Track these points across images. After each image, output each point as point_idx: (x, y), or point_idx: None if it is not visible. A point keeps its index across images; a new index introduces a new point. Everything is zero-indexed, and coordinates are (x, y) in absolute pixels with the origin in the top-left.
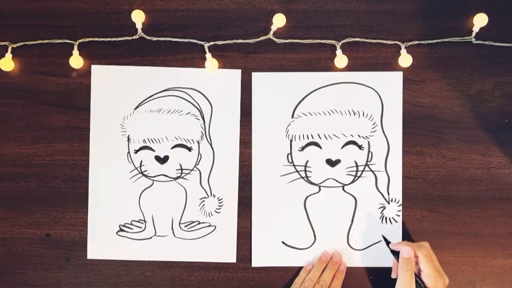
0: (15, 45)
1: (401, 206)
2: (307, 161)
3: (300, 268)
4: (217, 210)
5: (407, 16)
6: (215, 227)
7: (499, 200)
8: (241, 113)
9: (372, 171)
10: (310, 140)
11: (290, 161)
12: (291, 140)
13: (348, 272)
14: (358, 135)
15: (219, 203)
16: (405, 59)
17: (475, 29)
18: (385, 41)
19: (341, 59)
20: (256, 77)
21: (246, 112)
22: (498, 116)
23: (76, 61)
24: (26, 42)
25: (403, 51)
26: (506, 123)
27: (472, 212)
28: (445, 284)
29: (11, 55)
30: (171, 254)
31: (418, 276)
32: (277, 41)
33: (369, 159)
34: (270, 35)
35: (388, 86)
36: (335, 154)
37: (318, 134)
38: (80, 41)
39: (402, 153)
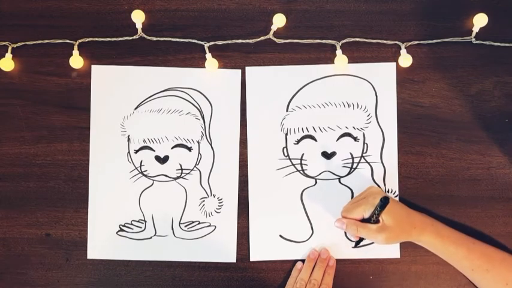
0: (15, 45)
1: (398, 197)
2: (303, 154)
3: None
4: (217, 210)
5: (407, 16)
6: (215, 227)
7: (499, 200)
8: (241, 113)
9: (368, 163)
10: (306, 133)
11: (286, 154)
12: (286, 134)
13: (348, 271)
14: (353, 127)
15: (219, 203)
16: (405, 59)
17: (475, 29)
18: (385, 41)
19: (341, 59)
20: (251, 71)
21: (246, 112)
22: (498, 116)
23: (76, 61)
24: (26, 42)
25: (403, 51)
26: (506, 123)
27: (472, 212)
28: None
29: (11, 55)
30: (171, 254)
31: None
32: (277, 41)
33: (365, 151)
34: (270, 35)
35: (382, 77)
36: (330, 146)
37: (313, 127)
38: (80, 41)
39: (400, 150)
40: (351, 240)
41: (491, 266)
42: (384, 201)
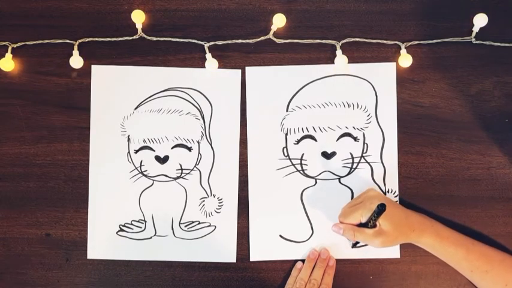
0: (15, 45)
1: (398, 197)
2: (303, 154)
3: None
4: (217, 210)
5: (407, 16)
6: (215, 227)
7: (499, 200)
8: (241, 113)
9: (368, 163)
10: (306, 133)
11: (286, 154)
12: (286, 134)
13: (348, 271)
14: (353, 127)
15: (219, 203)
16: (405, 59)
17: (475, 29)
18: (385, 41)
19: (341, 59)
20: (251, 71)
21: (246, 112)
22: (498, 116)
23: (76, 61)
24: (26, 42)
25: (403, 51)
26: (506, 123)
27: (472, 212)
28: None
29: (11, 55)
30: (171, 254)
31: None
32: (277, 41)
33: (365, 151)
34: (270, 35)
35: (382, 77)
36: (330, 146)
37: (313, 127)
38: (80, 41)
39: (400, 150)
40: (350, 241)
41: (490, 267)
42: (381, 208)
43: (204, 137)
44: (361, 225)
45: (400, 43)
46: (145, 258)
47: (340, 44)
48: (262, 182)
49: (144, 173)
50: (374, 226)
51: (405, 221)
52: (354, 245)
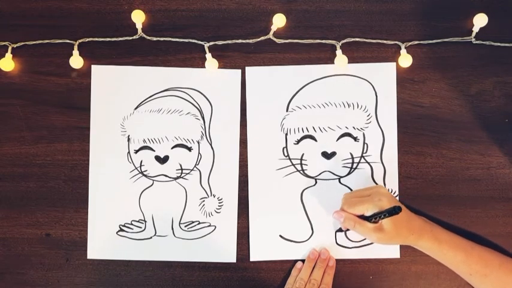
0: (15, 45)
1: (398, 197)
2: (303, 154)
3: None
4: (217, 210)
5: (407, 16)
6: (215, 227)
7: (499, 200)
8: (241, 113)
9: (368, 163)
10: (306, 133)
11: (286, 154)
12: (286, 134)
13: (348, 271)
14: (353, 127)
15: (219, 203)
16: (405, 59)
17: (475, 29)
18: (385, 41)
19: (341, 59)
20: (251, 71)
21: (246, 112)
22: (498, 116)
23: (76, 61)
24: (26, 42)
25: (403, 51)
26: (506, 123)
27: (472, 212)
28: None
29: (11, 55)
30: (171, 254)
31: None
32: (277, 41)
33: (365, 151)
34: (270, 35)
35: (382, 77)
36: (330, 146)
37: (313, 127)
38: (80, 41)
39: (400, 150)
40: (351, 241)
41: (489, 271)
42: (397, 211)
43: (204, 137)
44: (362, 217)
45: (400, 43)
46: (145, 258)
47: (340, 44)
48: (262, 182)
49: (144, 173)
50: (376, 222)
51: (406, 223)
52: (339, 230)
